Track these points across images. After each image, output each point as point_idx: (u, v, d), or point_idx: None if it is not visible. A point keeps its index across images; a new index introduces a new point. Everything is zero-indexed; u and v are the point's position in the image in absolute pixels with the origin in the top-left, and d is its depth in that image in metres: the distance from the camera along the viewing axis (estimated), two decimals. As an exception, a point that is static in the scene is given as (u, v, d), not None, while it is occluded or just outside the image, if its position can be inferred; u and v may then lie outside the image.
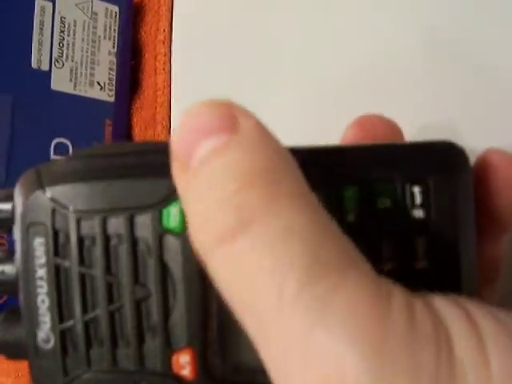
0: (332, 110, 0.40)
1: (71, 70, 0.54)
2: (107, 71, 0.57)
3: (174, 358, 0.22)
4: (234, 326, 0.21)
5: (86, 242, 0.23)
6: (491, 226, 0.24)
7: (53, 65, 0.53)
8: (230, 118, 0.20)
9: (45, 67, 0.53)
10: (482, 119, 0.30)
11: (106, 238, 0.22)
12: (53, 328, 0.23)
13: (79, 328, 0.23)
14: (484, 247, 0.24)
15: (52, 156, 0.51)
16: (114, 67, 0.57)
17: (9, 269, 0.24)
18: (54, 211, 0.23)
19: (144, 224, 0.22)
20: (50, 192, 0.23)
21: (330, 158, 0.23)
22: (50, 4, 0.53)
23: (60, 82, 0.54)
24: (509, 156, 0.23)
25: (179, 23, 0.57)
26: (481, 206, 0.23)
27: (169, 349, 0.22)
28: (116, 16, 0.58)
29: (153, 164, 0.23)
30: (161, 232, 0.22)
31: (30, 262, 0.23)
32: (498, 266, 0.25)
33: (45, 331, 0.23)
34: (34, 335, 0.23)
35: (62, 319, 0.23)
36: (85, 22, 0.55)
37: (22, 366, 0.62)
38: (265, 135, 0.20)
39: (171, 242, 0.22)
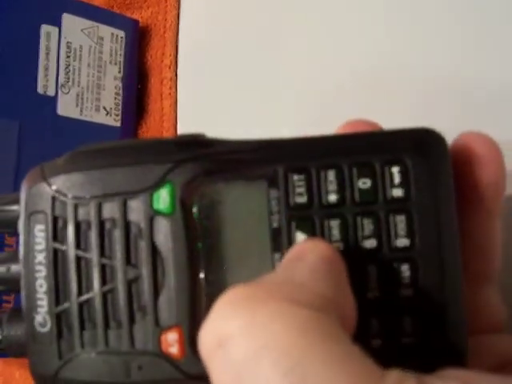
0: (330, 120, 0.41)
1: (77, 96, 0.54)
2: (113, 96, 0.57)
3: (163, 336, 0.23)
4: None
5: (83, 227, 0.24)
6: (476, 208, 0.24)
7: (59, 90, 0.53)
8: None
9: (51, 93, 0.53)
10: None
11: (101, 223, 0.24)
12: (49, 311, 0.23)
13: (74, 310, 0.23)
14: (473, 233, 0.24)
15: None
16: (120, 92, 0.57)
17: (15, 267, 0.25)
18: (53, 199, 0.24)
19: (136, 207, 0.23)
20: (50, 182, 0.24)
21: (315, 145, 0.24)
22: (56, 29, 0.53)
23: (66, 108, 0.54)
24: (483, 135, 0.23)
25: (185, 48, 0.57)
26: (462, 187, 0.23)
27: (158, 328, 0.23)
28: (122, 41, 0.58)
29: (143, 153, 0.24)
30: (151, 214, 0.23)
31: (31, 249, 0.24)
32: (490, 254, 0.25)
33: (42, 315, 0.24)
34: (32, 320, 0.24)
35: (58, 302, 0.23)
36: (91, 46, 0.56)
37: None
38: None
39: (161, 224, 0.23)
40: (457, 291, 0.23)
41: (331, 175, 0.23)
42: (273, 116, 0.48)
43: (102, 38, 0.56)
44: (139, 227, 0.23)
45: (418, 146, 0.23)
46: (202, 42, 0.56)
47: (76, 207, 0.24)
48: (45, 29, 0.52)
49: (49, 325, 0.23)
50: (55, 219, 0.24)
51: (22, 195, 0.25)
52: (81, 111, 0.54)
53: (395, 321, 0.23)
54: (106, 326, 0.23)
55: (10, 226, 0.25)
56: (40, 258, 0.24)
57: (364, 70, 0.40)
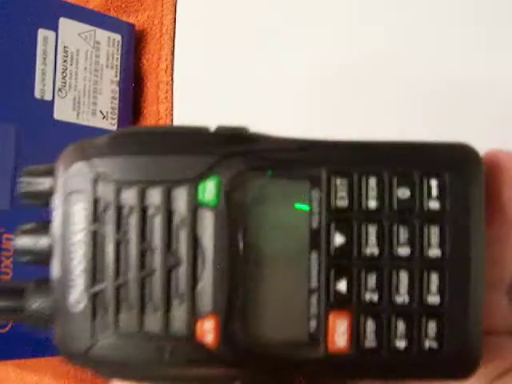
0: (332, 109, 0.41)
1: (74, 100, 0.55)
2: (110, 100, 0.57)
3: (199, 324, 0.23)
4: (258, 300, 0.24)
5: (124, 211, 0.24)
6: (497, 220, 0.25)
7: (56, 94, 0.54)
8: None
9: (48, 97, 0.53)
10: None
11: (143, 208, 0.24)
12: (85, 290, 0.24)
13: (110, 292, 0.24)
14: (491, 243, 0.25)
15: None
16: (117, 96, 0.58)
17: (44, 240, 0.25)
18: (95, 180, 0.24)
19: (180, 197, 0.24)
20: (92, 163, 0.24)
21: (359, 150, 0.25)
22: (53, 33, 0.54)
23: (63, 112, 0.54)
24: (509, 152, 0.25)
25: (181, 52, 0.58)
26: (487, 199, 0.24)
27: (194, 315, 0.23)
28: (118, 44, 0.58)
29: (190, 143, 0.24)
30: (195, 205, 0.24)
31: (69, 228, 0.24)
32: (506, 263, 0.26)
33: (76, 293, 0.24)
34: (65, 297, 0.24)
35: (94, 283, 0.24)
36: (87, 51, 0.56)
37: None
38: None
39: (205, 215, 0.24)
40: (479, 303, 0.24)
41: (372, 182, 0.24)
42: (271, 119, 0.48)
43: (98, 42, 0.57)
44: (182, 216, 0.24)
45: (457, 162, 0.24)
46: (199, 46, 0.56)
47: (119, 191, 0.24)
48: (42, 33, 0.53)
49: (83, 304, 0.24)
50: (95, 201, 0.24)
51: (59, 173, 0.24)
52: (77, 115, 0.55)
53: (421, 325, 0.24)
54: (142, 309, 0.24)
55: (41, 198, 0.25)
56: (78, 237, 0.24)
57: (368, 58, 0.40)
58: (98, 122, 0.56)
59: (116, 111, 0.58)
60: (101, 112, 0.56)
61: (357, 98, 0.40)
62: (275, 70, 0.48)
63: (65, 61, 0.54)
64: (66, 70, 0.55)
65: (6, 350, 0.51)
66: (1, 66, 0.51)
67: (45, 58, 0.53)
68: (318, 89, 0.43)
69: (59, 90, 0.54)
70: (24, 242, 0.25)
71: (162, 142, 0.25)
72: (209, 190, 0.24)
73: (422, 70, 0.37)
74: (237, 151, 0.24)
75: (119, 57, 0.58)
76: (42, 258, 0.25)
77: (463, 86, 0.34)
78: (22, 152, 0.51)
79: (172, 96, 0.57)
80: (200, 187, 0.24)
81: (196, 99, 0.56)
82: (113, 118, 0.57)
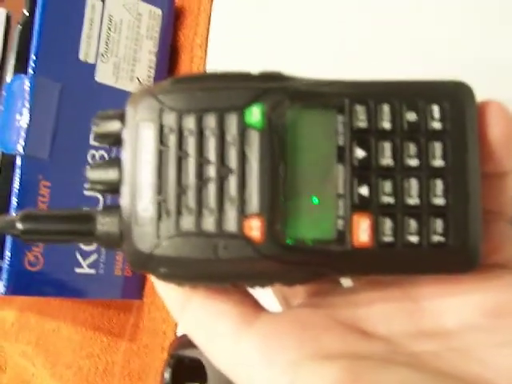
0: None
1: (114, 65, 0.59)
2: (147, 68, 0.62)
3: (247, 222, 0.28)
4: (296, 203, 0.28)
5: (185, 133, 0.28)
6: (488, 164, 0.29)
7: (98, 59, 0.58)
8: None
9: (91, 60, 0.58)
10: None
11: (201, 130, 0.28)
12: (152, 199, 0.28)
13: (173, 198, 0.28)
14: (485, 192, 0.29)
15: (91, 141, 0.56)
16: (153, 65, 0.62)
17: (113, 171, 0.29)
18: (161, 110, 0.28)
19: (231, 120, 0.28)
20: (158, 97, 0.28)
21: (374, 85, 0.30)
22: (100, 3, 0.58)
23: (104, 75, 0.59)
24: (497, 101, 0.29)
25: (216, 29, 0.62)
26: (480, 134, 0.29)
27: (243, 215, 0.28)
28: (159, 18, 0.62)
29: (237, 80, 0.29)
30: (243, 127, 0.28)
31: (138, 150, 0.29)
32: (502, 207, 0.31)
33: (145, 202, 0.28)
34: (135, 206, 0.28)
35: (160, 192, 0.28)
36: (130, 21, 0.60)
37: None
38: None
39: (251, 135, 0.28)
40: (478, 205, 0.28)
41: (386, 108, 0.29)
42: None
43: (140, 14, 0.61)
44: (232, 136, 0.28)
45: (454, 92, 0.29)
46: (233, 25, 0.60)
47: (180, 117, 0.28)
48: (90, 1, 0.57)
49: (150, 210, 0.28)
50: (161, 126, 0.28)
51: (131, 108, 0.29)
52: (116, 79, 0.59)
53: (429, 222, 0.28)
54: (200, 212, 0.28)
55: (110, 137, 0.30)
56: (146, 157, 0.28)
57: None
58: (134, 88, 0.60)
59: (151, 79, 0.62)
60: (138, 79, 0.61)
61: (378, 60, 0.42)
62: (308, 43, 0.51)
63: (109, 28, 0.59)
64: (110, 37, 0.59)
65: (35, 287, 0.56)
66: (52, 28, 0.55)
67: (91, 25, 0.57)
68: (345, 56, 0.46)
69: (102, 54, 0.58)
70: (96, 173, 0.30)
71: (215, 80, 0.29)
72: (255, 114, 0.28)
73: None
74: (276, 86, 0.29)
75: (158, 29, 0.62)
76: (113, 188, 0.29)
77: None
78: (63, 108, 0.56)
79: (205, 69, 0.61)
80: (247, 112, 0.28)
81: None
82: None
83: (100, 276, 0.59)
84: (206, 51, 0.62)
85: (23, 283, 0.55)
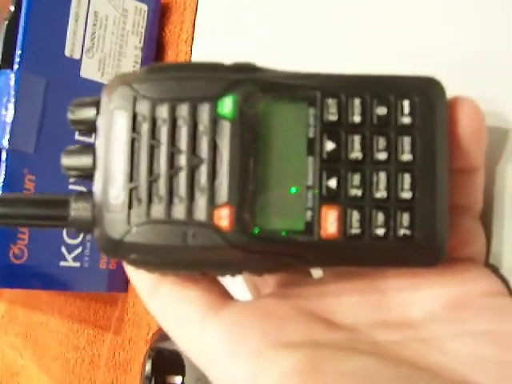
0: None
1: (100, 60, 0.60)
2: (132, 64, 0.62)
3: (216, 211, 0.28)
4: (265, 194, 0.29)
5: (158, 122, 0.29)
6: (459, 159, 0.30)
7: (84, 54, 0.59)
8: None
9: (76, 56, 0.58)
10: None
11: (173, 119, 0.29)
12: (123, 186, 0.29)
13: (144, 186, 0.29)
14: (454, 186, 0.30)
15: (76, 135, 0.57)
16: (139, 61, 0.63)
17: (87, 157, 0.30)
18: (135, 98, 0.29)
19: (203, 110, 0.29)
20: (132, 86, 0.29)
21: (346, 79, 0.30)
22: (86, -1, 0.59)
23: (89, 71, 0.59)
24: (467, 97, 0.30)
25: (201, 25, 0.62)
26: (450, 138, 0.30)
27: (212, 204, 0.28)
28: (144, 14, 0.63)
29: (210, 70, 0.30)
30: (215, 117, 0.29)
31: (111, 138, 0.29)
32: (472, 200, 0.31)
33: (116, 189, 0.29)
34: (107, 193, 0.29)
35: (131, 180, 0.29)
36: (115, 17, 0.61)
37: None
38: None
39: (223, 125, 0.29)
40: (444, 200, 0.29)
41: (357, 102, 0.29)
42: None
43: (126, 10, 0.62)
44: (204, 126, 0.29)
45: (424, 88, 0.29)
46: (218, 22, 0.60)
47: (154, 106, 0.29)
48: (76, -3, 0.58)
49: (121, 197, 0.29)
50: (135, 115, 0.29)
51: (105, 95, 0.30)
52: (102, 75, 0.60)
53: (396, 216, 0.29)
54: (170, 201, 0.28)
55: (86, 124, 0.30)
56: (119, 144, 0.29)
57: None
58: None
59: (137, 75, 0.62)
60: (123, 74, 0.61)
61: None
62: (293, 40, 0.50)
63: (94, 24, 0.59)
64: (95, 32, 0.59)
65: (20, 279, 0.56)
66: (37, 24, 0.56)
67: (77, 20, 0.58)
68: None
69: (87, 50, 0.59)
70: (70, 159, 0.30)
71: (188, 70, 0.30)
72: (227, 105, 0.29)
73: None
74: (249, 77, 0.29)
75: (144, 25, 0.63)
76: (86, 174, 0.30)
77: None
78: (48, 103, 0.56)
79: (189, 65, 0.62)
80: (219, 103, 0.29)
81: None
82: (133, 81, 0.62)
83: (85, 269, 0.59)
84: (191, 47, 0.62)
85: (8, 276, 0.55)
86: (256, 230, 0.28)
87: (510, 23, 0.34)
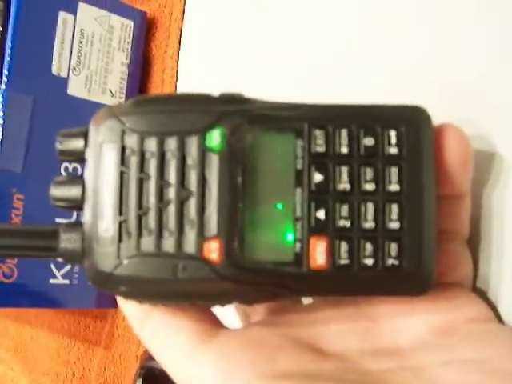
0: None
1: (87, 78, 0.60)
2: (119, 80, 0.62)
3: (205, 244, 0.29)
4: (253, 226, 0.29)
5: (146, 155, 0.29)
6: (446, 186, 0.30)
7: (70, 72, 0.59)
8: None
9: (63, 74, 0.58)
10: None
11: (162, 153, 0.29)
12: (113, 220, 0.29)
13: (133, 220, 0.29)
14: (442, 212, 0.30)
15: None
16: (126, 77, 0.63)
17: (75, 189, 0.30)
18: (123, 132, 0.29)
19: (191, 143, 0.29)
20: (120, 119, 0.29)
21: (333, 110, 0.30)
22: (72, 17, 0.59)
23: (76, 88, 0.59)
24: (453, 125, 0.30)
25: (187, 41, 0.62)
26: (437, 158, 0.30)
27: (202, 237, 0.29)
28: (130, 30, 0.63)
29: (197, 102, 0.30)
30: (204, 150, 0.29)
31: (100, 171, 0.29)
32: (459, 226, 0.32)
33: (106, 222, 0.29)
34: (97, 226, 0.29)
35: (121, 213, 0.29)
36: (101, 34, 0.61)
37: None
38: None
39: (211, 158, 0.29)
40: (432, 230, 0.29)
41: (344, 133, 0.29)
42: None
43: (112, 27, 0.62)
44: (193, 159, 0.29)
45: (411, 118, 0.30)
46: (204, 37, 0.60)
47: (142, 140, 0.29)
48: (62, 16, 0.58)
49: (111, 230, 0.29)
50: (123, 148, 0.29)
51: (94, 128, 0.30)
52: (89, 92, 0.60)
53: (384, 246, 0.29)
54: (160, 234, 0.29)
55: (74, 155, 0.31)
56: (108, 178, 0.29)
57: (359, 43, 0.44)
58: (107, 100, 0.61)
59: (124, 91, 0.63)
60: (110, 91, 0.61)
61: (348, 76, 0.43)
62: (279, 59, 0.50)
63: (80, 42, 0.59)
64: (81, 50, 0.59)
65: (10, 298, 0.56)
66: (23, 43, 0.56)
67: (63, 39, 0.58)
68: (315, 72, 0.46)
69: (74, 68, 0.59)
70: (59, 190, 0.30)
71: (175, 103, 0.30)
72: (215, 137, 0.29)
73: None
74: (236, 109, 0.30)
75: (130, 41, 0.63)
76: (75, 205, 0.30)
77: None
78: (36, 122, 0.56)
79: (176, 80, 0.62)
80: (207, 136, 0.29)
81: (197, 85, 0.59)
82: (121, 97, 0.62)
83: (74, 286, 0.59)
84: (177, 62, 0.62)
85: (-2, 295, 0.55)
86: (245, 263, 0.29)
87: (490, 45, 0.34)
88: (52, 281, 0.58)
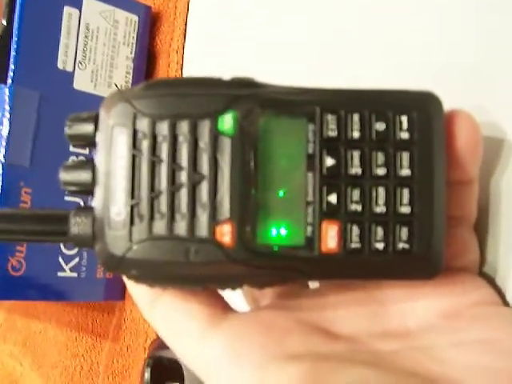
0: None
1: (92, 72, 0.60)
2: (124, 74, 0.63)
3: (218, 228, 0.29)
4: (265, 209, 0.29)
5: (158, 139, 0.29)
6: (455, 170, 0.30)
7: (76, 66, 0.59)
8: None
9: (69, 68, 0.59)
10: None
11: (174, 136, 0.29)
12: (125, 203, 0.29)
13: (145, 203, 0.29)
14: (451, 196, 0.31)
15: (71, 147, 0.57)
16: (131, 71, 0.63)
17: (85, 174, 0.30)
18: (135, 116, 0.29)
19: (204, 127, 0.29)
20: (131, 102, 0.29)
21: (345, 94, 0.30)
22: (77, 11, 0.59)
23: (82, 83, 0.60)
24: (463, 110, 0.30)
25: (192, 34, 0.63)
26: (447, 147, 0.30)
27: (214, 220, 0.29)
28: (135, 24, 0.64)
29: (209, 86, 0.30)
30: (216, 133, 0.29)
31: (112, 154, 0.29)
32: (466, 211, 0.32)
33: (118, 206, 0.29)
34: (109, 210, 0.29)
35: (133, 196, 0.29)
36: (107, 28, 0.61)
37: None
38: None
39: (223, 141, 0.29)
40: (442, 214, 0.29)
41: (356, 118, 0.29)
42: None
43: (117, 21, 0.62)
44: (205, 142, 0.29)
45: (422, 103, 0.30)
46: (209, 31, 0.61)
47: (154, 123, 0.29)
48: (67, 10, 0.58)
49: (123, 214, 0.29)
50: (135, 131, 0.29)
51: (104, 112, 0.30)
52: (94, 86, 0.61)
53: (395, 230, 0.29)
54: (172, 217, 0.29)
55: (84, 139, 0.30)
56: (120, 162, 0.29)
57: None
58: (112, 94, 0.61)
59: (129, 85, 0.63)
60: (115, 85, 0.62)
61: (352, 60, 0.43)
62: (284, 49, 0.51)
63: (86, 36, 0.60)
64: (87, 44, 0.60)
65: (19, 291, 0.57)
66: (29, 38, 0.56)
67: (68, 33, 0.59)
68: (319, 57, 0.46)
69: (79, 62, 0.59)
70: (69, 175, 0.30)
71: (188, 86, 0.30)
72: (227, 121, 0.29)
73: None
74: (248, 93, 0.30)
75: (135, 36, 0.64)
76: (86, 189, 0.30)
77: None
78: (43, 116, 0.57)
79: (181, 74, 0.62)
80: (220, 119, 0.29)
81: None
82: (126, 91, 0.62)
83: (82, 279, 0.60)
84: (182, 56, 0.63)
85: (7, 288, 0.56)
86: (257, 246, 0.29)
87: (504, 30, 0.34)
88: (60, 274, 0.59)
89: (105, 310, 0.67)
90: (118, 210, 0.29)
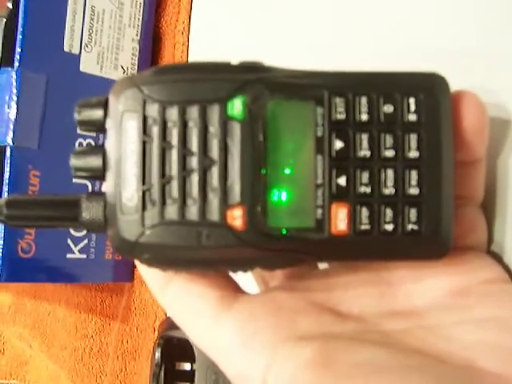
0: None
1: (98, 55, 0.61)
2: (130, 56, 0.63)
3: (229, 212, 0.29)
4: (276, 193, 0.29)
5: (168, 125, 0.29)
6: (462, 150, 0.31)
7: (82, 49, 0.59)
8: None
9: (75, 51, 0.59)
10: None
11: (184, 122, 0.29)
12: (137, 188, 0.29)
13: (157, 188, 0.29)
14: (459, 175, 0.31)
15: (78, 130, 0.57)
16: (137, 53, 0.63)
17: (96, 159, 0.30)
18: (144, 101, 0.29)
19: (213, 112, 0.29)
20: (142, 89, 0.29)
21: (353, 77, 0.31)
22: (83, -6, 0.59)
23: (88, 65, 0.60)
24: (470, 91, 0.30)
25: (197, 15, 0.62)
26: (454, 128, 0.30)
27: (225, 205, 0.29)
28: (141, 6, 0.64)
29: (218, 71, 0.30)
30: (225, 118, 0.29)
31: (122, 140, 0.29)
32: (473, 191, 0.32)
33: (130, 191, 0.29)
34: (121, 195, 0.29)
35: (144, 182, 0.29)
36: (112, 10, 0.61)
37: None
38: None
39: (233, 126, 0.29)
40: (450, 195, 0.30)
41: (364, 100, 0.30)
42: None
43: (122, 3, 0.62)
44: (215, 127, 0.29)
45: (429, 85, 0.30)
46: (214, 11, 0.60)
47: (163, 109, 0.29)
48: (73, -7, 0.58)
49: (135, 199, 0.29)
50: (145, 117, 0.29)
51: (114, 97, 0.30)
52: (101, 68, 0.61)
53: (404, 211, 0.29)
54: (183, 202, 0.29)
55: (94, 125, 0.30)
56: (130, 147, 0.29)
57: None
58: (119, 76, 0.61)
59: (135, 67, 0.63)
60: (122, 67, 0.62)
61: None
62: (290, 31, 0.50)
63: (92, 19, 0.60)
64: (93, 27, 0.60)
65: (28, 273, 0.57)
66: (36, 21, 0.56)
67: (74, 16, 0.59)
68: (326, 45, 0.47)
69: (85, 45, 0.59)
70: (80, 160, 0.30)
71: (196, 71, 0.30)
72: (236, 106, 0.29)
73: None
74: (257, 77, 0.30)
75: (141, 17, 0.64)
76: (96, 175, 0.30)
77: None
78: (50, 99, 0.57)
79: (187, 56, 0.62)
80: (229, 104, 0.29)
81: (209, 59, 0.60)
82: (132, 73, 0.62)
83: (91, 261, 0.60)
84: (188, 37, 0.63)
85: (17, 270, 0.56)
86: (268, 229, 0.29)
87: (508, 11, 0.34)
88: (69, 255, 0.59)
89: (114, 292, 0.68)
90: (130, 195, 0.29)
